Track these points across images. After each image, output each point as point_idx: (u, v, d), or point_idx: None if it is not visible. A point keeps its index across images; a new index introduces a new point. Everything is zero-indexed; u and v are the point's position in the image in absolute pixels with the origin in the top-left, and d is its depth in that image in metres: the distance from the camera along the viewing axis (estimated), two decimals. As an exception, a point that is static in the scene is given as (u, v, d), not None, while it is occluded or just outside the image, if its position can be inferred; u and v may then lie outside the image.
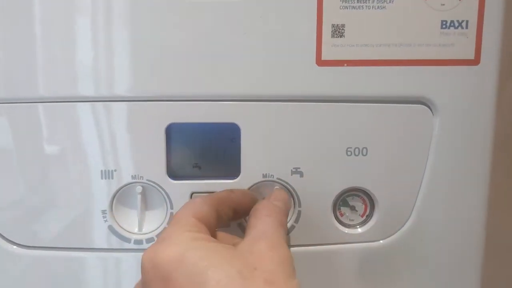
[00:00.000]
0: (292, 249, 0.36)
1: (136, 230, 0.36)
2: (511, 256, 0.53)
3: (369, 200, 0.36)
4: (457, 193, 0.36)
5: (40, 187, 0.35)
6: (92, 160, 0.34)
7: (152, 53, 0.33)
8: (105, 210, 0.35)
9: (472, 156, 0.36)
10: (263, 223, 0.29)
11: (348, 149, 0.35)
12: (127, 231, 0.36)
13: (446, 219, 0.37)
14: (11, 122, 0.34)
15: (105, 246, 0.36)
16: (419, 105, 0.35)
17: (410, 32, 0.33)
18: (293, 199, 0.35)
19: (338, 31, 0.33)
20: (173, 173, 0.35)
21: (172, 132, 0.34)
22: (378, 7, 0.33)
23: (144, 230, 0.36)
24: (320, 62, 0.34)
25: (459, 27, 0.33)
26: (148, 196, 0.36)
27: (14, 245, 0.36)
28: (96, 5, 0.33)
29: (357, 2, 0.33)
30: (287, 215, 0.32)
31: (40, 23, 0.33)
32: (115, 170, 0.35)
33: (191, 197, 0.35)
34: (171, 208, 0.35)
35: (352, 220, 0.37)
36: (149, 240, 0.35)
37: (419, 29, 0.33)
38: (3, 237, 0.35)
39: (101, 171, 0.34)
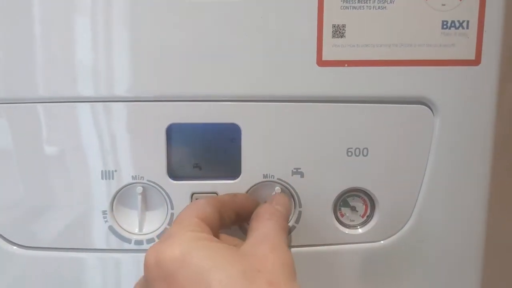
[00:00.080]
0: (293, 249, 0.36)
1: (136, 230, 0.36)
2: (511, 256, 0.53)
3: (370, 200, 0.36)
4: (458, 194, 0.36)
5: (40, 187, 0.35)
6: (92, 161, 0.34)
7: (153, 53, 0.33)
8: (106, 211, 0.35)
9: (473, 156, 0.36)
10: (265, 227, 0.29)
11: (349, 150, 0.35)
12: (128, 232, 0.36)
13: (446, 219, 0.37)
14: (11, 123, 0.34)
15: (106, 247, 0.36)
16: (420, 105, 0.35)
17: (410, 32, 0.33)
18: (294, 199, 0.35)
19: (338, 31, 0.33)
20: (173, 174, 0.35)
21: (173, 133, 0.34)
22: (378, 7, 0.33)
23: (145, 230, 0.36)
24: (321, 62, 0.34)
25: (460, 28, 0.33)
26: (148, 197, 0.36)
27: (15, 246, 0.36)
28: (96, 5, 0.33)
29: (358, 2, 0.33)
30: (288, 220, 0.33)
31: (40, 23, 0.33)
32: (115, 171, 0.35)
33: (191, 197, 0.35)
34: (172, 208, 0.35)
35: (353, 221, 0.37)
36: (149, 241, 0.35)
37: (420, 29, 0.33)
38: (4, 238, 0.35)
39: (102, 171, 0.34)
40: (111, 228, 0.35)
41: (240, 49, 0.33)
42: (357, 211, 0.37)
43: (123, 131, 0.34)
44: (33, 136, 0.34)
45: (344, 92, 0.34)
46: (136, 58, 0.33)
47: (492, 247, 0.39)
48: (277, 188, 0.35)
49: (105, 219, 0.35)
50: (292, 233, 0.36)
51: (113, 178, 0.35)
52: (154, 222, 0.36)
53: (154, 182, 0.35)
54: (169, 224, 0.35)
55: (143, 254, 0.34)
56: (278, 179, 0.35)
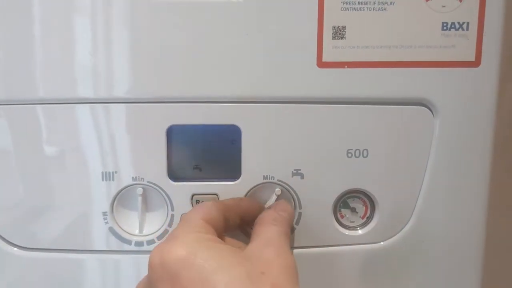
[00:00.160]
0: (293, 250, 0.36)
1: (136, 232, 0.36)
2: (511, 256, 0.53)
3: (370, 201, 0.36)
4: (458, 195, 0.36)
5: (41, 189, 0.35)
6: (93, 162, 0.34)
7: (153, 54, 0.33)
8: (106, 212, 0.35)
9: (472, 157, 0.36)
10: (268, 231, 0.30)
11: (349, 151, 0.35)
12: (128, 233, 0.36)
13: (446, 220, 0.37)
14: (11, 124, 0.34)
15: (106, 248, 0.36)
16: (420, 106, 0.35)
17: (411, 34, 0.33)
18: (294, 201, 0.35)
19: (339, 32, 0.33)
20: (174, 175, 0.35)
21: (173, 134, 0.34)
22: (379, 9, 0.33)
23: (145, 232, 0.36)
24: (321, 63, 0.34)
25: (460, 29, 0.34)
26: (148, 198, 0.36)
27: (15, 247, 0.36)
28: (96, 7, 0.33)
29: (358, 3, 0.33)
30: (291, 225, 0.33)
31: (39, 24, 0.33)
32: (115, 172, 0.35)
33: (192, 198, 0.35)
34: (172, 210, 0.35)
35: (353, 222, 0.37)
36: (150, 242, 0.35)
37: (420, 30, 0.33)
38: (4, 239, 0.35)
39: (102, 172, 0.34)
40: (111, 230, 0.35)
41: (240, 50, 0.33)
42: (357, 212, 0.37)
43: (123, 133, 0.34)
44: (33, 138, 0.34)
45: (344, 93, 0.34)
46: (136, 59, 0.33)
47: (492, 248, 0.39)
48: (277, 190, 0.35)
49: (106, 221, 0.35)
50: (292, 235, 0.36)
51: (113, 180, 0.35)
52: (154, 223, 0.36)
53: (154, 184, 0.35)
54: (170, 225, 0.35)
55: (144, 256, 0.34)
56: (278, 180, 0.35)
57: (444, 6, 0.33)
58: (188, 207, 0.35)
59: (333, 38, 0.33)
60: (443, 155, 0.35)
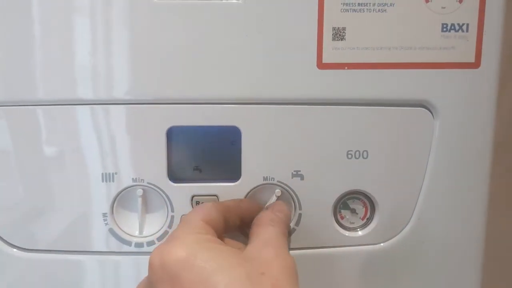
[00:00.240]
0: (293, 252, 0.36)
1: (136, 233, 0.36)
2: (511, 257, 0.53)
3: (370, 203, 0.36)
4: (458, 196, 0.36)
5: (41, 190, 0.35)
6: (93, 163, 0.34)
7: (153, 56, 0.33)
8: (106, 213, 0.35)
9: (472, 159, 0.36)
10: (266, 232, 0.30)
11: (349, 152, 0.35)
12: (128, 234, 0.36)
13: (446, 221, 0.37)
14: (11, 125, 0.34)
15: (106, 249, 0.36)
16: (420, 108, 0.35)
17: (410, 35, 0.33)
18: (294, 202, 0.35)
19: (339, 34, 0.33)
20: (173, 176, 0.35)
21: (173, 135, 0.34)
22: (379, 10, 0.33)
23: (145, 233, 0.36)
24: (321, 65, 0.34)
25: (460, 30, 0.34)
26: (148, 199, 0.36)
27: (15, 248, 0.35)
28: (95, 8, 0.33)
29: (358, 5, 0.33)
30: (288, 226, 0.33)
31: (39, 25, 0.33)
32: (115, 173, 0.35)
33: (192, 200, 0.35)
34: (172, 211, 0.35)
35: (353, 223, 0.37)
36: (149, 243, 0.35)
37: (420, 32, 0.33)
38: (4, 240, 0.35)
39: (102, 174, 0.34)
40: (111, 231, 0.35)
41: (240, 51, 0.33)
42: (357, 214, 0.37)
43: (123, 134, 0.34)
44: (33, 139, 0.34)
45: (344, 94, 0.34)
46: (136, 61, 0.33)
47: (492, 248, 0.39)
48: (277, 191, 0.35)
49: (105, 222, 0.35)
50: (292, 236, 0.36)
51: (113, 181, 0.35)
52: (154, 224, 0.36)
53: (154, 185, 0.35)
54: (169, 226, 0.35)
55: (144, 257, 0.34)
56: (278, 181, 0.35)
57: (444, 8, 0.33)
58: (188, 208, 0.35)
59: (333, 39, 0.33)
60: (443, 156, 0.35)
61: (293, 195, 0.35)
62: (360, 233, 0.37)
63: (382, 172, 0.35)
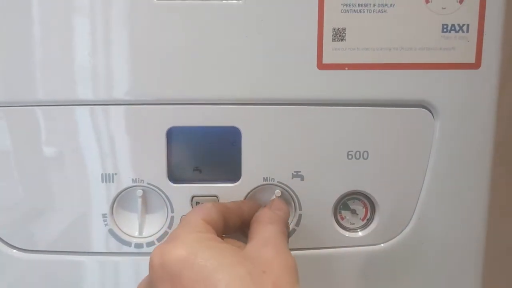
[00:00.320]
0: (293, 252, 0.35)
1: (136, 233, 0.36)
2: (511, 258, 0.53)
3: (370, 203, 0.36)
4: (458, 196, 0.36)
5: (40, 191, 0.35)
6: (92, 164, 0.34)
7: (153, 56, 0.33)
8: (106, 214, 0.35)
9: (473, 159, 0.36)
10: (266, 231, 0.30)
11: (349, 153, 0.35)
12: (128, 235, 0.36)
13: (446, 222, 0.37)
14: (11, 126, 0.34)
15: (105, 250, 0.35)
16: (420, 108, 0.35)
17: (411, 36, 0.33)
18: (294, 202, 0.35)
19: (339, 34, 0.33)
20: (173, 177, 0.35)
21: (173, 136, 0.34)
22: (379, 11, 0.33)
23: (145, 233, 0.36)
24: (321, 65, 0.34)
25: (460, 31, 0.34)
26: (148, 200, 0.35)
27: (14, 249, 0.35)
28: (95, 8, 0.32)
29: (358, 5, 0.33)
30: (287, 224, 0.33)
31: (39, 26, 0.33)
32: (115, 174, 0.34)
33: (191, 200, 0.35)
34: (172, 211, 0.35)
35: (353, 224, 0.37)
36: (149, 244, 0.35)
37: (420, 33, 0.33)
38: (3, 241, 0.35)
39: (102, 174, 0.34)
40: (111, 231, 0.35)
41: (240, 52, 0.33)
42: (357, 214, 0.37)
43: (123, 134, 0.34)
44: (33, 140, 0.34)
45: (344, 95, 0.34)
46: (136, 61, 0.33)
47: (492, 249, 0.39)
48: (277, 191, 0.35)
49: (105, 222, 0.35)
50: (292, 236, 0.36)
51: (113, 181, 0.35)
52: (154, 225, 0.36)
53: (154, 185, 0.35)
54: (169, 227, 0.35)
55: (143, 257, 0.34)
56: (278, 182, 0.35)
57: (444, 8, 0.33)
58: (188, 209, 0.35)
59: (333, 40, 0.33)
60: (443, 157, 0.35)
61: (293, 195, 0.35)
62: (360, 233, 0.37)
63: (382, 173, 0.35)
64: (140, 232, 0.36)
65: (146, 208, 0.36)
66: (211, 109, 0.34)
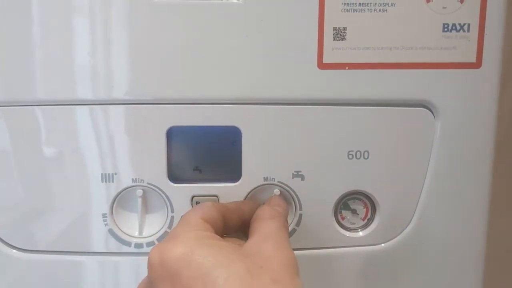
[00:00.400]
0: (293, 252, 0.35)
1: (136, 233, 0.36)
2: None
3: (371, 203, 0.36)
4: (459, 196, 0.36)
5: (40, 190, 0.34)
6: (92, 164, 0.34)
7: (153, 56, 0.33)
8: (106, 214, 0.35)
9: (474, 159, 0.36)
10: (267, 226, 0.29)
11: (350, 152, 0.35)
12: (128, 235, 0.35)
13: (447, 222, 0.37)
14: (11, 126, 0.34)
15: (105, 250, 0.35)
16: (421, 108, 0.35)
17: (411, 35, 0.33)
18: (294, 202, 0.35)
19: (339, 34, 0.33)
20: (173, 177, 0.35)
21: (173, 135, 0.34)
22: (379, 10, 0.33)
23: (145, 233, 0.36)
24: (322, 65, 0.33)
25: (461, 31, 0.33)
26: (148, 200, 0.35)
27: (14, 249, 0.35)
28: (95, 8, 0.32)
29: (359, 5, 0.33)
30: (287, 219, 0.33)
31: (38, 25, 0.33)
32: (115, 174, 0.34)
33: (192, 200, 0.35)
34: (172, 211, 0.35)
35: (354, 224, 0.37)
36: (149, 244, 0.35)
37: (421, 32, 0.33)
38: (3, 241, 0.35)
39: (102, 174, 0.34)
40: (111, 231, 0.35)
41: (240, 52, 0.33)
42: (357, 214, 0.36)
43: (123, 134, 0.34)
44: (33, 139, 0.34)
45: (345, 94, 0.34)
46: (136, 61, 0.33)
47: (493, 249, 0.39)
48: (276, 190, 0.35)
49: (105, 222, 0.35)
50: (293, 236, 0.36)
51: (113, 181, 0.34)
52: (154, 225, 0.36)
53: (154, 185, 0.35)
54: (169, 227, 0.35)
55: (143, 257, 0.34)
56: (278, 182, 0.35)
57: (445, 8, 0.33)
58: (188, 209, 0.35)
59: (334, 39, 0.33)
60: (444, 157, 0.35)
61: (294, 195, 0.35)
62: (360, 233, 0.36)
63: (383, 173, 0.35)
64: (140, 232, 0.36)
65: (146, 208, 0.36)
66: (211, 108, 0.34)
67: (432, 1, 0.33)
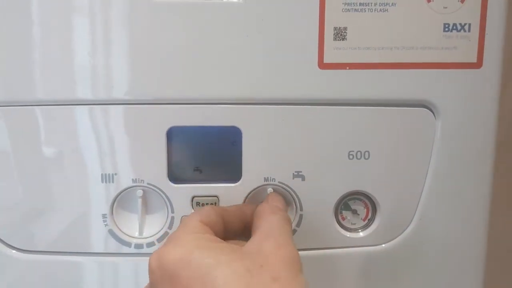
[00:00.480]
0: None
1: (136, 234, 0.35)
2: None
3: (371, 203, 0.36)
4: (459, 197, 0.36)
5: (40, 191, 0.34)
6: (92, 164, 0.34)
7: (153, 56, 0.33)
8: (106, 214, 0.35)
9: (474, 159, 0.36)
10: (268, 222, 0.29)
11: (350, 153, 0.35)
12: (128, 235, 0.35)
13: (448, 222, 0.36)
14: (10, 126, 0.34)
15: (105, 251, 0.35)
16: (422, 108, 0.35)
17: (412, 35, 0.33)
18: (295, 203, 0.35)
19: (340, 34, 0.33)
20: (174, 177, 0.35)
21: (173, 136, 0.34)
22: (380, 10, 0.33)
23: (145, 234, 0.36)
24: (322, 65, 0.33)
25: (462, 30, 0.33)
26: (148, 200, 0.35)
27: (14, 249, 0.35)
28: (95, 8, 0.32)
29: (359, 4, 0.33)
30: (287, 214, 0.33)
31: (38, 26, 0.32)
32: (115, 174, 0.34)
33: (192, 201, 0.35)
34: (172, 212, 0.35)
35: (354, 224, 0.37)
36: (149, 244, 0.35)
37: (422, 32, 0.33)
38: (3, 242, 0.35)
39: (102, 174, 0.34)
40: (111, 232, 0.35)
41: (241, 52, 0.33)
42: (358, 214, 0.36)
43: (123, 134, 0.34)
44: (33, 139, 0.34)
45: (345, 94, 0.34)
46: (136, 61, 0.33)
47: (494, 249, 0.39)
48: (270, 189, 0.35)
49: (105, 223, 0.35)
50: (293, 237, 0.35)
51: (113, 182, 0.34)
52: (155, 225, 0.36)
53: (154, 186, 0.34)
54: (170, 227, 0.35)
55: (143, 258, 0.34)
56: (279, 182, 0.35)
57: (445, 7, 0.33)
58: (189, 209, 0.35)
59: (334, 39, 0.33)
60: (445, 157, 0.35)
61: (294, 195, 0.35)
62: (361, 234, 0.36)
63: (383, 173, 0.35)
64: (140, 233, 0.35)
65: (146, 208, 0.36)
66: (211, 108, 0.34)
67: (432, 1, 0.33)
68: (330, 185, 0.35)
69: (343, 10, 0.33)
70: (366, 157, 0.35)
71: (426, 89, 0.34)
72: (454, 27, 0.33)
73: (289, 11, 0.33)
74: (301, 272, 0.27)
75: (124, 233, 0.35)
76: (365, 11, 0.33)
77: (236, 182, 0.35)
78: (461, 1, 0.33)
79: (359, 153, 0.35)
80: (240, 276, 0.25)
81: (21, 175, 0.34)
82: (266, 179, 0.35)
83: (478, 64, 0.34)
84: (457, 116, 0.35)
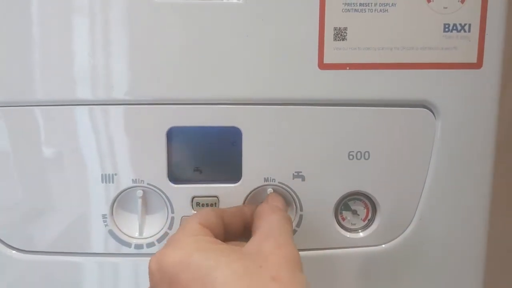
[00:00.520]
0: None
1: (136, 234, 0.35)
2: None
3: (371, 204, 0.36)
4: (460, 197, 0.36)
5: (40, 191, 0.34)
6: (92, 164, 0.34)
7: (153, 56, 0.33)
8: (106, 215, 0.35)
9: (474, 159, 0.36)
10: (268, 222, 0.29)
11: (350, 153, 0.35)
12: (128, 236, 0.35)
13: (448, 222, 0.36)
14: (10, 126, 0.34)
15: (105, 251, 0.35)
16: (422, 108, 0.35)
17: (412, 36, 0.33)
18: (295, 203, 0.35)
19: (340, 34, 0.33)
20: (174, 177, 0.35)
21: (173, 136, 0.34)
22: (380, 10, 0.33)
23: (145, 234, 0.36)
24: (322, 65, 0.33)
25: (462, 31, 0.33)
26: (148, 200, 0.35)
27: (14, 250, 0.35)
28: (95, 8, 0.32)
29: (360, 5, 0.33)
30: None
31: (38, 26, 0.32)
32: (115, 174, 0.34)
33: (192, 201, 0.35)
34: (172, 212, 0.35)
35: (354, 224, 0.37)
36: (149, 245, 0.35)
37: (422, 32, 0.33)
38: (3, 242, 0.35)
39: (102, 175, 0.34)
40: (111, 232, 0.35)
41: (241, 52, 0.33)
42: (358, 215, 0.36)
43: (123, 135, 0.34)
44: (32, 140, 0.34)
45: (345, 95, 0.34)
46: (136, 61, 0.33)
47: (494, 249, 0.39)
48: (270, 190, 0.35)
49: (105, 223, 0.35)
50: (293, 237, 0.35)
51: (113, 182, 0.34)
52: (155, 226, 0.36)
53: (154, 186, 0.34)
54: (170, 228, 0.35)
55: (143, 258, 0.34)
56: (279, 182, 0.35)
57: (446, 8, 0.33)
58: (189, 210, 0.35)
59: (335, 39, 0.33)
60: (445, 157, 0.35)
61: (294, 196, 0.35)
62: (361, 234, 0.36)
63: (383, 173, 0.35)
64: (140, 233, 0.35)
65: (146, 208, 0.36)
66: (211, 109, 0.34)
67: (433, 1, 0.33)
68: (330, 186, 0.35)
69: (343, 10, 0.33)
70: (366, 157, 0.35)
71: (426, 89, 0.34)
72: (454, 28, 0.33)
73: (289, 11, 0.33)
74: (301, 271, 0.27)
75: (124, 234, 0.35)
76: (365, 11, 0.33)
77: (236, 182, 0.35)
78: (461, 2, 0.33)
79: (359, 153, 0.35)
80: (240, 276, 0.25)
81: (21, 175, 0.34)
82: (266, 180, 0.35)
83: (478, 65, 0.34)
84: (457, 116, 0.35)
